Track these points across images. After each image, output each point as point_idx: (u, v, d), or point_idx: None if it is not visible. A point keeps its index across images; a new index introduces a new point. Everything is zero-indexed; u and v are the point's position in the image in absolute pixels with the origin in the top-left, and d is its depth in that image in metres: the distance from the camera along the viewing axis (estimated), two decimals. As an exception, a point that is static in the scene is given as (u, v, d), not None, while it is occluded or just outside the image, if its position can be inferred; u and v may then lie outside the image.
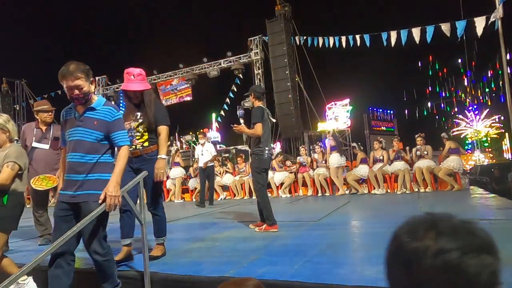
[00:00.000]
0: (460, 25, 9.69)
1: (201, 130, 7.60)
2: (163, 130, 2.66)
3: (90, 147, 1.99)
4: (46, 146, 3.68)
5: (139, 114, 2.69)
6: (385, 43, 11.12)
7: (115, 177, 1.96)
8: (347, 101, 18.20)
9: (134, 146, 2.64)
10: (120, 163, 2.01)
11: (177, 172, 9.27)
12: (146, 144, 2.67)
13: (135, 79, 2.66)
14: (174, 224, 4.87)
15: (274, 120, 4.10)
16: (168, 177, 9.70)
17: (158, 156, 2.61)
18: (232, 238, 3.44)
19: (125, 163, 2.05)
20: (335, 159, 7.68)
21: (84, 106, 2.03)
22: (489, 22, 9.04)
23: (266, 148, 3.78)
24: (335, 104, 18.17)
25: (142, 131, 2.67)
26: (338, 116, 18.00)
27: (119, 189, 1.95)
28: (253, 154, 3.86)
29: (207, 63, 16.44)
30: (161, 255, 2.73)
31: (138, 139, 2.67)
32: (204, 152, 7.09)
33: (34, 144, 3.64)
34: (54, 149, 3.68)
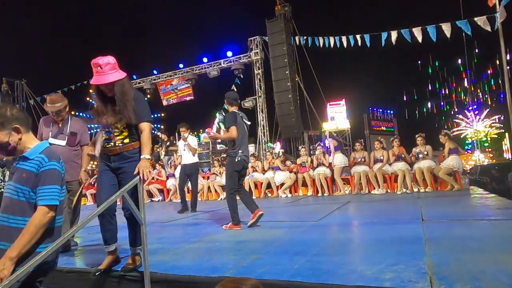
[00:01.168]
0: (463, 24, 9.69)
1: (182, 128, 6.19)
2: (145, 127, 2.37)
3: (15, 208, 1.63)
4: (63, 143, 3.39)
5: (117, 108, 2.37)
6: (385, 43, 11.12)
7: (14, 252, 1.50)
8: (342, 102, 18.11)
9: (112, 143, 2.40)
10: (25, 238, 1.53)
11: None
12: (126, 141, 2.40)
13: (102, 70, 2.30)
14: (174, 224, 4.87)
15: (249, 123, 4.30)
16: (170, 176, 9.73)
17: (142, 156, 2.31)
18: (232, 238, 3.44)
19: (34, 238, 1.56)
20: (340, 159, 7.70)
21: (17, 154, 1.74)
22: (495, 24, 9.03)
23: (240, 151, 4.00)
24: (330, 105, 18.12)
25: (121, 127, 2.40)
26: (334, 117, 17.99)
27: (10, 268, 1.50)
28: (228, 156, 4.15)
29: (207, 63, 16.44)
30: (138, 265, 2.46)
31: (117, 135, 2.41)
32: (186, 148, 6.17)
33: (51, 140, 3.32)
34: (71, 145, 3.42)
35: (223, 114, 15.88)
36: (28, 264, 1.45)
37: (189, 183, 6.37)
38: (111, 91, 2.37)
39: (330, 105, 17.82)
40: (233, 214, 3.99)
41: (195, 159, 6.21)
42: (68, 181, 3.17)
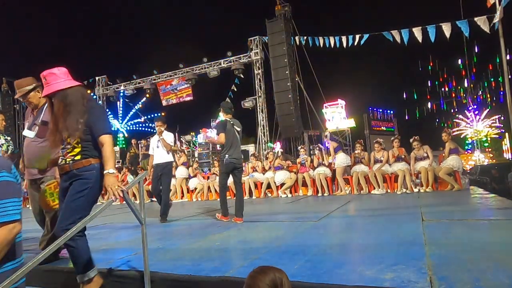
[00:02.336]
0: (463, 24, 9.69)
1: (158, 123, 5.45)
2: (105, 140, 2.10)
3: None
4: (32, 134, 2.92)
5: (61, 122, 2.13)
6: (385, 43, 11.14)
7: None
8: (338, 102, 18.10)
9: (64, 161, 2.16)
10: None
11: (181, 172, 9.32)
12: (78, 157, 2.13)
13: (47, 81, 2.12)
14: (174, 224, 4.87)
15: (239, 129, 4.80)
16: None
17: (105, 172, 2.07)
18: (232, 238, 3.44)
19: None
20: (342, 158, 7.71)
21: None
22: (491, 24, 9.04)
23: (227, 155, 4.58)
24: (327, 106, 18.13)
25: (74, 142, 2.13)
26: (332, 117, 18.00)
27: None
28: (220, 159, 4.86)
29: (207, 63, 16.44)
30: None
31: (69, 152, 2.16)
32: (161, 144, 5.36)
33: (24, 133, 2.99)
34: (41, 136, 2.88)
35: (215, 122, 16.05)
36: (18, 272, 1.42)
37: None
38: None
39: (326, 106, 17.82)
40: (223, 207, 4.74)
41: (169, 157, 5.35)
42: (38, 179, 2.90)
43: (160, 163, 5.28)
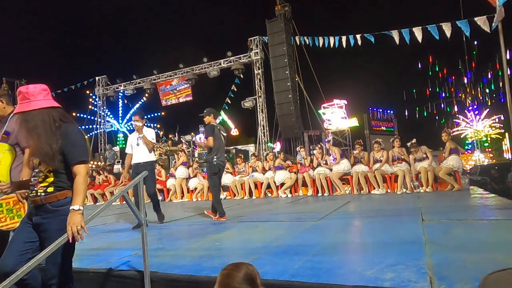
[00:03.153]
0: (463, 24, 9.69)
1: (135, 117, 4.98)
2: (79, 170, 1.82)
3: None
4: None
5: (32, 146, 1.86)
6: (385, 43, 11.15)
7: None
8: (334, 102, 18.00)
9: (34, 192, 1.86)
10: None
11: (181, 172, 9.33)
12: (50, 189, 1.84)
13: (19, 100, 1.88)
14: (174, 224, 4.87)
15: (225, 134, 5.15)
16: (170, 176, 9.75)
17: (71, 208, 1.76)
18: (232, 238, 3.44)
19: None
20: (344, 164, 7.70)
21: None
22: (493, 25, 9.03)
23: (215, 157, 4.87)
24: (325, 107, 18.07)
25: (45, 170, 1.86)
26: (330, 119, 17.97)
27: None
28: (207, 162, 5.05)
29: (207, 63, 16.45)
30: None
31: (40, 182, 1.86)
32: (141, 142, 4.89)
33: None
34: None
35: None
36: (18, 272, 1.43)
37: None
38: None
39: (324, 106, 17.78)
40: (218, 208, 4.84)
41: (151, 156, 4.90)
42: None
43: (140, 162, 4.81)
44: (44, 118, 1.83)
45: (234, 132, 17.26)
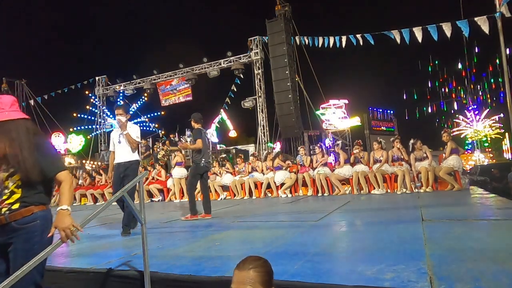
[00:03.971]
0: (463, 24, 9.69)
1: (118, 111, 4.37)
2: (63, 177, 1.78)
3: None
4: None
5: (9, 157, 1.71)
6: (385, 43, 11.15)
7: None
8: (330, 103, 17.97)
9: None
10: None
11: (178, 172, 9.32)
12: (15, 206, 1.70)
13: None
14: (174, 223, 4.87)
15: (209, 137, 5.42)
16: (170, 176, 9.75)
17: (59, 208, 1.71)
18: (232, 238, 3.44)
19: None
20: (346, 170, 7.71)
21: None
22: (496, 22, 9.02)
23: (203, 159, 5.10)
24: (324, 107, 18.06)
25: (13, 186, 1.72)
26: (330, 119, 17.96)
27: None
28: (193, 162, 5.24)
29: (207, 63, 16.45)
30: None
31: (5, 200, 1.71)
32: (123, 139, 4.35)
33: None
34: None
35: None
36: (18, 272, 1.43)
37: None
38: None
39: (322, 107, 17.77)
40: (192, 206, 5.03)
41: (135, 156, 4.38)
42: None
43: (122, 162, 4.32)
44: (23, 129, 1.77)
45: (232, 133, 17.17)
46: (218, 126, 17.30)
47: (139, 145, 4.65)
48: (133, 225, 4.18)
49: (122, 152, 4.35)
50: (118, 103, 19.93)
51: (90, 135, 19.42)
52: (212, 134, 15.70)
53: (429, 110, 34.25)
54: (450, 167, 6.70)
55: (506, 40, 9.13)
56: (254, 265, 1.21)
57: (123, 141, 4.33)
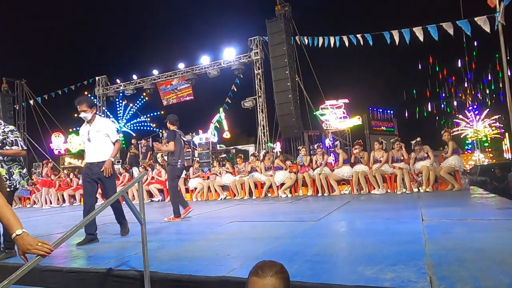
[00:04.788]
0: (463, 24, 9.68)
1: (82, 106, 3.77)
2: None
3: None
4: None
5: None
6: (386, 43, 11.14)
7: None
8: (326, 104, 17.92)
9: None
10: None
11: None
12: None
13: None
14: (174, 223, 4.87)
15: (185, 139, 5.51)
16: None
17: (14, 235, 1.52)
18: (232, 238, 3.44)
19: None
20: (345, 171, 7.71)
21: None
22: (495, 25, 9.03)
23: (179, 161, 5.17)
24: (325, 108, 18.02)
25: None
26: (330, 119, 17.94)
27: None
28: (169, 165, 5.30)
29: (207, 63, 16.44)
30: None
31: None
32: (94, 135, 3.80)
33: None
34: None
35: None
36: (17, 272, 1.43)
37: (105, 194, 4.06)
38: None
39: (321, 108, 17.74)
40: (175, 208, 5.09)
41: (108, 154, 3.81)
42: None
43: (95, 162, 3.78)
44: None
45: (226, 134, 16.91)
46: (218, 126, 17.27)
47: (131, 146, 4.40)
48: (123, 232, 3.92)
49: (93, 151, 3.82)
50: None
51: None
52: (213, 133, 15.68)
53: (429, 110, 34.27)
54: (452, 166, 6.70)
55: (506, 40, 9.13)
56: (275, 270, 1.19)
57: (94, 138, 3.80)
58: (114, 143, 3.90)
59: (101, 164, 3.75)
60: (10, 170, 3.40)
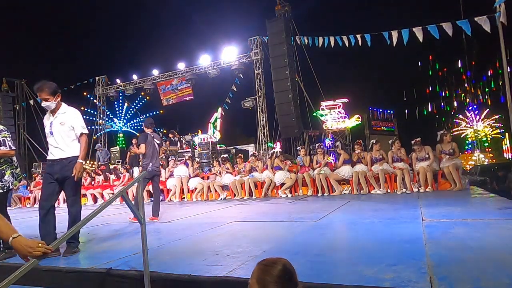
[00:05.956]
0: (464, 24, 9.68)
1: (43, 94, 3.21)
2: None
3: None
4: None
5: None
6: (386, 43, 11.13)
7: None
8: (322, 105, 17.91)
9: None
10: None
11: (180, 171, 9.34)
12: None
13: None
14: (174, 223, 4.87)
15: (158, 142, 5.56)
16: (170, 176, 9.74)
17: (11, 239, 1.50)
18: (232, 238, 3.44)
19: None
20: (346, 171, 7.70)
21: None
22: (495, 25, 9.03)
23: (150, 163, 5.29)
24: (324, 109, 18.00)
25: None
26: (329, 119, 17.93)
27: None
28: (141, 167, 5.51)
29: (207, 63, 16.44)
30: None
31: None
32: (57, 128, 3.28)
33: None
34: None
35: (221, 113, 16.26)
36: (17, 272, 1.44)
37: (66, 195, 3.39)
38: None
39: (321, 108, 17.75)
40: (136, 210, 5.20)
41: (74, 150, 3.30)
42: None
43: (57, 159, 3.26)
44: None
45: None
46: (217, 125, 17.25)
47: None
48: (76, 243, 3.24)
49: (56, 146, 3.28)
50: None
51: (96, 136, 19.33)
52: (213, 133, 15.66)
53: (429, 110, 34.29)
54: (458, 164, 6.74)
55: (506, 40, 9.13)
56: (294, 272, 1.21)
57: (57, 132, 3.26)
58: (79, 139, 3.33)
59: (65, 162, 3.22)
60: (2, 171, 3.31)
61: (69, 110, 3.36)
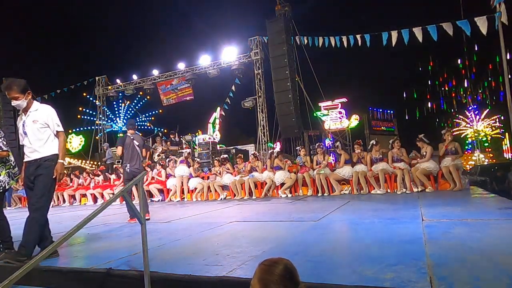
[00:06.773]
0: (464, 24, 9.68)
1: (12, 92, 2.98)
2: None
3: None
4: None
5: None
6: (385, 43, 11.13)
7: None
8: (320, 105, 17.89)
9: None
10: None
11: (181, 170, 9.35)
12: None
13: None
14: (174, 223, 4.87)
15: (138, 143, 5.55)
16: (170, 176, 9.75)
17: None
18: (232, 238, 3.44)
19: None
20: (346, 171, 7.71)
21: None
22: (495, 25, 9.03)
23: (128, 165, 5.41)
24: (325, 108, 17.99)
25: None
26: (326, 120, 17.93)
27: None
28: (123, 168, 5.61)
29: (207, 63, 16.44)
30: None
31: None
32: (30, 127, 3.07)
33: None
34: None
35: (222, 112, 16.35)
36: (17, 272, 1.44)
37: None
38: None
39: (324, 108, 17.75)
40: (132, 210, 5.02)
41: (49, 149, 3.11)
42: None
43: (32, 159, 3.08)
44: None
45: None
46: (216, 125, 17.24)
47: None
48: (29, 250, 2.91)
49: (30, 147, 3.08)
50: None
51: (98, 136, 19.30)
52: (213, 133, 15.65)
53: (429, 110, 34.29)
54: (459, 164, 6.76)
55: (506, 40, 9.13)
56: (296, 272, 1.22)
57: (30, 131, 3.06)
58: (55, 136, 3.15)
59: (39, 162, 3.04)
60: None
61: (41, 107, 3.15)
